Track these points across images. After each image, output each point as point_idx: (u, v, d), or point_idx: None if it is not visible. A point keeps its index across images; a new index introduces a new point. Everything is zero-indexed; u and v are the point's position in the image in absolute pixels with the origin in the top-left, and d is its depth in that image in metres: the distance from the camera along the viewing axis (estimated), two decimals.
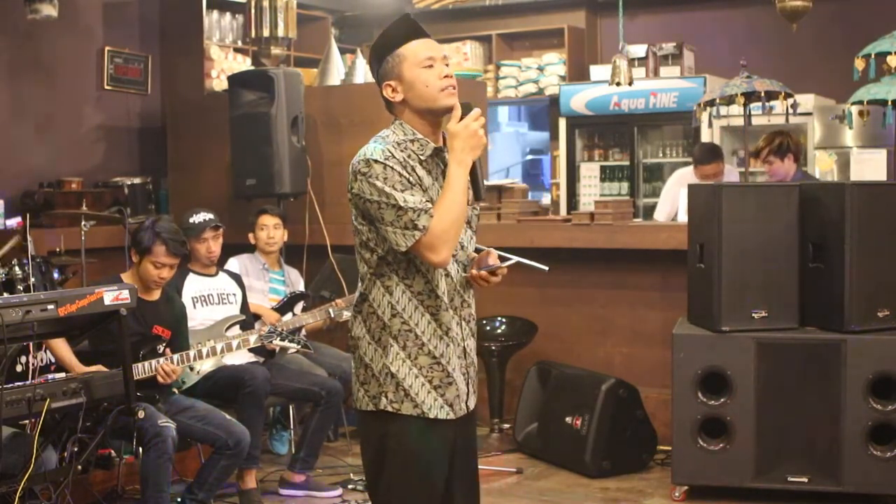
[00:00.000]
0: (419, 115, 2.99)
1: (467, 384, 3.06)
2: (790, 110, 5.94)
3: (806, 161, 7.98)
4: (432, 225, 2.86)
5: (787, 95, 5.95)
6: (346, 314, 5.75)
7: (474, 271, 3.06)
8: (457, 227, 2.91)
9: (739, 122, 6.44)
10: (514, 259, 3.14)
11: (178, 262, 4.83)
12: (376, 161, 2.88)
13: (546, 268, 3.29)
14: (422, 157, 2.96)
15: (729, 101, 6.04)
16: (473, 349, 3.11)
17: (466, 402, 3.06)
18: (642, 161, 8.86)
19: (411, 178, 2.89)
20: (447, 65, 3.01)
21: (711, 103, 6.15)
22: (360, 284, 3.03)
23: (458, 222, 2.91)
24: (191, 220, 5.38)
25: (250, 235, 5.90)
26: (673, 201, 6.87)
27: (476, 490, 3.17)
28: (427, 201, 2.89)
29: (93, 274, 5.82)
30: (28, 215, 5.68)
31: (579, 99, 8.73)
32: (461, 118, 2.93)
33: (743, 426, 5.01)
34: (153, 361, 4.62)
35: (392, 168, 2.87)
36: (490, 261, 3.08)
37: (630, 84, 7.19)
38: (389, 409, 2.95)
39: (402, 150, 2.92)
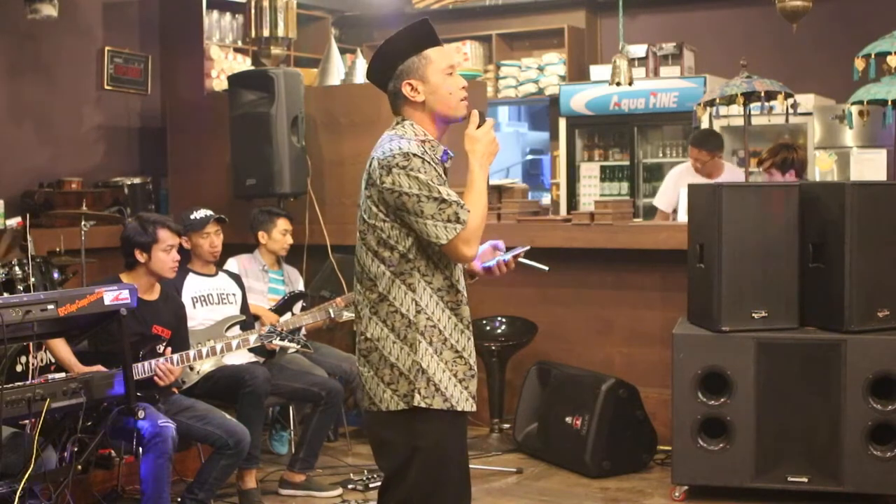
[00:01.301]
0: (432, 119, 3.06)
1: None
2: (790, 110, 5.93)
3: (806, 162, 7.98)
4: (469, 220, 2.92)
5: (787, 95, 5.94)
6: (346, 314, 5.75)
7: (500, 258, 3.13)
8: (483, 224, 3.01)
9: (739, 122, 6.44)
10: (526, 248, 3.22)
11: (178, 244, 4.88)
12: (415, 155, 2.93)
13: (546, 268, 3.33)
14: (435, 157, 3.00)
15: (729, 101, 6.03)
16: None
17: None
18: (642, 161, 8.86)
19: (442, 175, 2.98)
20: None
21: (711, 103, 6.14)
22: (369, 285, 3.03)
23: (484, 220, 3.01)
24: (192, 217, 5.40)
25: (261, 234, 5.88)
26: (675, 192, 6.83)
27: (469, 485, 3.19)
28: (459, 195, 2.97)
29: (93, 274, 5.82)
30: (28, 215, 5.68)
31: (579, 99, 8.73)
32: (478, 126, 3.04)
33: (743, 426, 5.01)
34: (153, 361, 4.62)
35: (429, 163, 2.93)
36: (501, 248, 3.18)
37: (630, 84, 7.18)
38: (423, 405, 2.98)
39: (427, 147, 2.99)
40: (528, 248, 3.23)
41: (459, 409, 3.01)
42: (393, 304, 2.99)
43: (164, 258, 4.77)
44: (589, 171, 8.98)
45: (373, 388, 3.04)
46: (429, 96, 3.02)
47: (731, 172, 7.05)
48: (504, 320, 6.32)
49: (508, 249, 3.24)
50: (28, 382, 3.99)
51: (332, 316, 5.76)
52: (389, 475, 3.07)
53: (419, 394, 2.97)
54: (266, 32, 6.96)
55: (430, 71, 3.02)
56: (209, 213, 5.42)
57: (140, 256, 4.75)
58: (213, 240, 5.40)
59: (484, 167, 3.02)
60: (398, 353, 2.99)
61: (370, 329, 3.03)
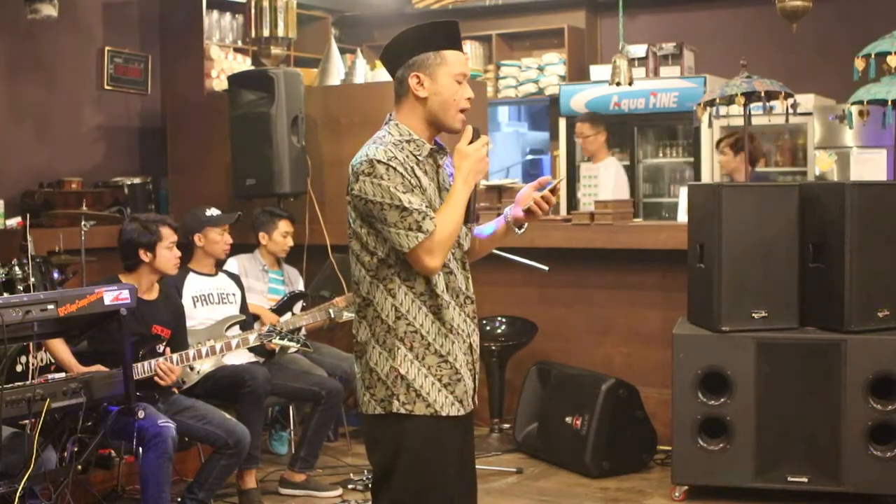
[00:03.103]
0: (425, 119, 3.03)
1: (473, 379, 3.10)
2: (790, 110, 5.93)
3: (805, 161, 7.99)
4: (436, 231, 2.90)
5: (787, 95, 5.93)
6: (346, 314, 5.76)
7: (535, 196, 3.06)
8: (453, 239, 2.98)
9: (739, 122, 6.44)
10: (561, 179, 3.16)
11: None
12: (379, 161, 2.90)
13: (546, 268, 3.31)
14: (419, 158, 2.98)
15: (729, 101, 6.02)
16: (478, 344, 3.14)
17: (472, 398, 3.09)
18: (642, 161, 8.85)
19: (412, 181, 2.93)
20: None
21: (711, 103, 6.14)
22: (356, 289, 3.04)
23: (455, 234, 2.98)
24: (208, 213, 5.42)
25: (261, 235, 5.89)
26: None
27: (474, 487, 3.19)
28: (426, 205, 2.92)
29: (93, 274, 5.82)
30: (28, 215, 5.68)
31: (579, 99, 8.71)
32: (470, 142, 2.99)
33: (743, 426, 5.01)
34: (152, 361, 4.62)
35: (395, 169, 2.90)
36: (540, 184, 3.12)
37: (630, 84, 7.18)
38: (402, 410, 2.96)
39: (400, 151, 2.95)
40: (562, 178, 3.20)
41: (444, 413, 2.98)
42: (376, 309, 2.99)
43: (168, 255, 4.80)
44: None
45: (358, 389, 3.07)
46: (432, 96, 2.99)
47: (611, 164, 7.56)
48: (504, 320, 6.32)
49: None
50: (28, 382, 3.99)
51: (332, 316, 5.76)
52: (378, 474, 3.08)
53: (398, 400, 2.96)
54: (266, 32, 6.95)
55: (442, 72, 2.99)
56: (218, 211, 5.47)
57: (145, 256, 4.77)
58: (227, 237, 5.44)
59: (468, 183, 2.98)
60: (377, 359, 2.99)
61: (360, 332, 3.05)
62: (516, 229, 3.18)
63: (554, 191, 3.09)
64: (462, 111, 3.02)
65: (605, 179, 7.45)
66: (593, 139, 7.46)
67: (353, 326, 3.09)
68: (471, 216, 3.06)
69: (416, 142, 3.01)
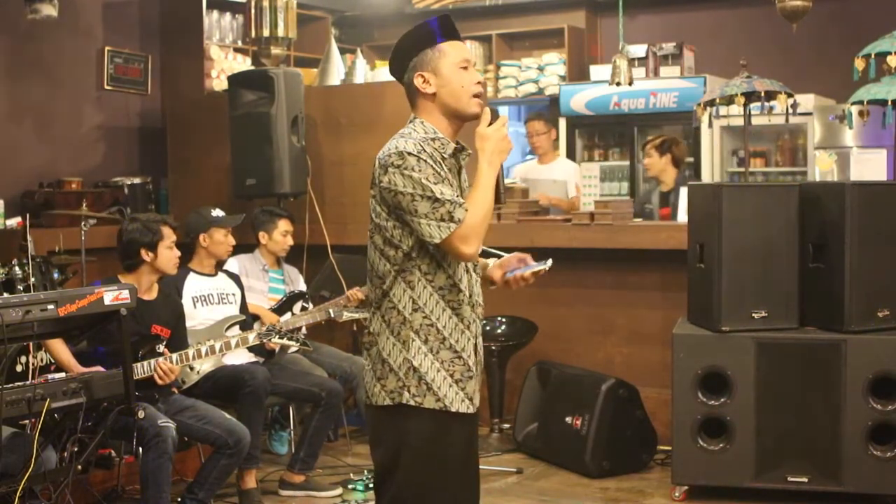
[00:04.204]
0: (444, 114, 3.04)
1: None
2: (790, 110, 5.93)
3: (805, 161, 7.99)
4: (467, 218, 2.90)
5: (788, 95, 5.94)
6: (347, 314, 5.75)
7: (518, 272, 3.11)
8: (486, 223, 2.98)
9: (739, 122, 6.44)
10: (547, 265, 3.17)
11: None
12: (409, 153, 2.92)
13: (547, 266, 3.28)
14: (444, 156, 2.99)
15: (729, 101, 6.03)
16: (482, 347, 3.16)
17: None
18: (642, 161, 8.84)
19: (442, 173, 2.94)
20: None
21: (711, 103, 6.14)
22: (378, 283, 3.03)
23: (487, 218, 2.97)
24: (214, 214, 5.42)
25: (261, 234, 5.88)
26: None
27: (478, 487, 3.19)
28: (457, 194, 2.94)
29: (93, 274, 5.83)
30: (28, 215, 5.68)
31: (579, 99, 8.72)
32: (490, 123, 3.01)
33: (743, 426, 5.01)
34: (152, 361, 4.62)
35: (425, 161, 2.92)
36: (527, 262, 3.15)
37: (630, 84, 7.18)
38: (412, 402, 2.97)
39: (427, 146, 2.97)
40: (548, 264, 3.19)
41: (453, 409, 2.99)
42: (392, 300, 2.99)
43: (170, 255, 4.82)
44: (589, 171, 8.97)
45: (368, 381, 3.06)
46: (440, 89, 3.01)
47: (564, 162, 7.78)
48: (504, 320, 6.32)
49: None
50: (28, 382, 3.99)
51: (332, 316, 5.76)
52: (380, 470, 3.08)
53: (408, 392, 2.96)
54: (266, 32, 6.95)
55: (444, 64, 3.00)
56: (223, 212, 5.48)
57: (146, 255, 4.78)
58: (231, 238, 5.46)
59: (493, 165, 2.99)
60: (390, 350, 2.99)
61: (373, 324, 3.05)
62: (490, 284, 3.21)
63: (537, 273, 3.11)
64: (477, 96, 3.02)
65: (562, 180, 7.56)
66: (546, 137, 7.57)
67: (367, 318, 3.09)
68: (500, 196, 3.06)
69: (441, 140, 3.02)
